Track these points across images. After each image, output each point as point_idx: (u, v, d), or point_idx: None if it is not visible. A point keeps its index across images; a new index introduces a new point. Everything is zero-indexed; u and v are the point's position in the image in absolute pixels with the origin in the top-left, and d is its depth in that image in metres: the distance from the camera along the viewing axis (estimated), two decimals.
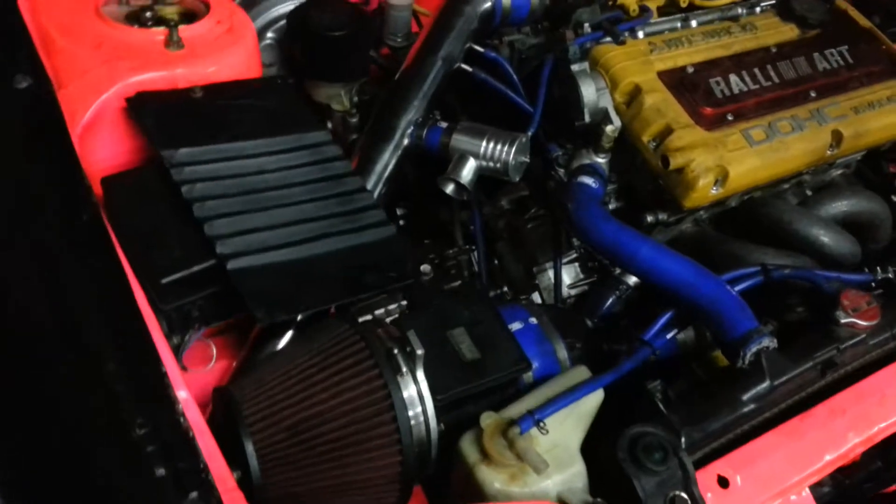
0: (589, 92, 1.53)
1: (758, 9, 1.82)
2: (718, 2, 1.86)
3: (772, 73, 1.63)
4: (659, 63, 1.57)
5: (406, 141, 1.52)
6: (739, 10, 1.83)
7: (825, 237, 1.46)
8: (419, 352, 1.15)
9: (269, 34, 1.70)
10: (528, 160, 1.48)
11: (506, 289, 1.66)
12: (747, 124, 1.52)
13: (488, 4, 1.64)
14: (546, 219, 1.69)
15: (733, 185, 1.47)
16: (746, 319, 1.22)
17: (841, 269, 1.49)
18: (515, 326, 1.36)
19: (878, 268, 1.42)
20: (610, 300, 1.59)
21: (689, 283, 1.28)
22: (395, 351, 1.15)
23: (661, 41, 1.62)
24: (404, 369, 1.14)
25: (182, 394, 1.03)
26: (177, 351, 1.14)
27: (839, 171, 1.76)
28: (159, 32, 1.36)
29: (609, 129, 1.49)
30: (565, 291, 1.67)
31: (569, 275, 1.69)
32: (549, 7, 1.70)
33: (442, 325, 1.29)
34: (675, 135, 1.46)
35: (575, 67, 1.53)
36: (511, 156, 1.44)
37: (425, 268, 1.65)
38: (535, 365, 1.31)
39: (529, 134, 1.49)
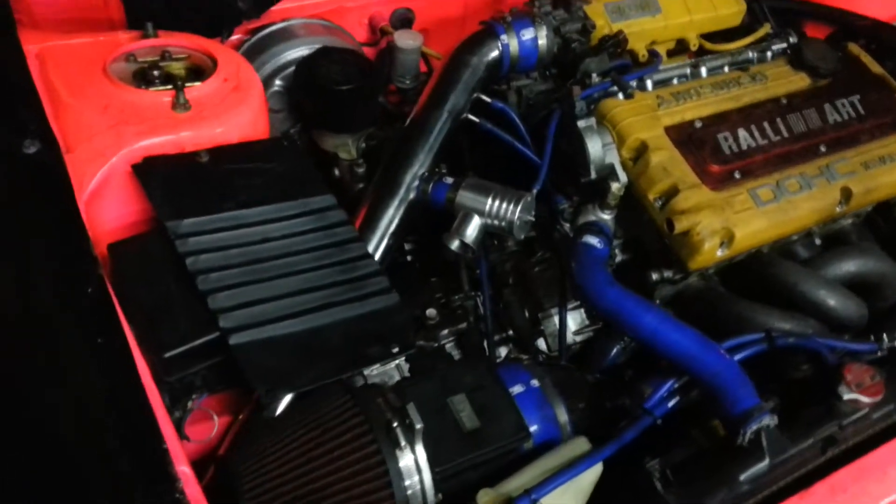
0: (595, 148, 1.52)
1: (769, 53, 1.81)
2: (728, 46, 1.86)
3: (781, 127, 1.62)
4: (666, 118, 1.56)
5: (412, 195, 1.52)
6: (750, 55, 1.82)
7: (831, 300, 1.45)
8: (418, 426, 1.16)
9: (278, 81, 1.71)
10: (532, 219, 1.48)
11: (511, 333, 1.67)
12: (755, 183, 1.51)
13: (495, 54, 1.64)
14: (552, 262, 1.69)
15: (739, 246, 1.46)
16: (748, 396, 1.21)
17: (848, 331, 1.48)
18: (517, 389, 1.36)
19: (886, 335, 1.41)
20: (614, 351, 1.60)
21: (691, 356, 1.28)
22: (395, 424, 1.16)
23: (670, 94, 1.61)
24: (403, 443, 1.15)
25: (183, 469, 1.05)
26: (179, 422, 1.15)
27: (849, 221, 1.74)
28: (166, 94, 1.36)
29: (615, 186, 1.49)
30: (570, 338, 1.67)
31: (574, 321, 1.69)
32: (556, 55, 1.70)
33: (443, 392, 1.30)
34: (681, 195, 1.45)
35: (581, 124, 1.53)
36: (516, 215, 1.44)
37: (430, 312, 1.66)
38: (534, 429, 1.32)
39: (534, 192, 1.49)
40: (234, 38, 1.76)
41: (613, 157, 1.54)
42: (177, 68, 1.46)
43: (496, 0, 2.04)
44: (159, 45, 1.48)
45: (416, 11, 1.97)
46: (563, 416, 1.36)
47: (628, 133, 1.53)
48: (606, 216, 1.53)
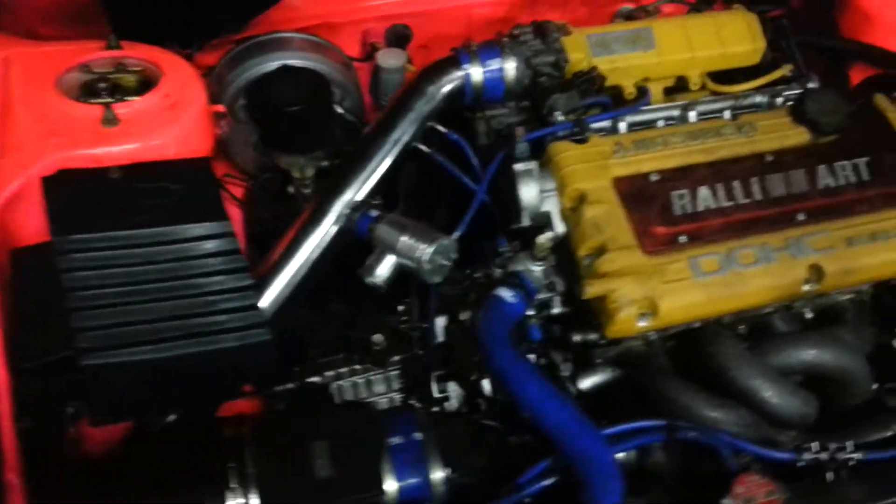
0: (529, 194, 1.42)
1: (779, 99, 1.61)
2: (734, 88, 1.67)
3: (755, 189, 1.43)
4: (619, 167, 1.43)
5: (342, 223, 1.49)
6: (758, 99, 1.63)
7: (767, 392, 1.27)
8: (249, 471, 1.15)
9: None
10: (449, 263, 1.40)
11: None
12: (700, 251, 1.35)
13: (456, 83, 1.56)
14: None
15: (667, 319, 1.32)
16: (611, 493, 1.10)
17: (792, 428, 1.31)
18: (395, 441, 1.32)
19: (815, 444, 1.23)
20: None
21: (565, 437, 1.18)
22: (231, 465, 1.16)
23: (631, 141, 1.47)
24: (233, 484, 1.15)
25: (11, 478, 1.09)
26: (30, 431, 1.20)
27: (847, 296, 1.52)
28: (99, 108, 1.41)
29: (540, 239, 1.39)
30: None
31: None
32: (528, 87, 1.60)
33: (309, 434, 1.28)
34: (606, 257, 1.33)
35: (519, 167, 1.43)
36: (426, 257, 1.37)
37: (377, 337, 1.64)
38: (397, 486, 1.27)
39: (455, 236, 1.42)
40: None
41: (553, 206, 1.44)
42: (128, 81, 1.50)
43: (501, 16, 1.95)
44: (117, 57, 1.53)
45: (414, 27, 1.91)
46: (437, 474, 1.30)
47: (569, 181, 1.41)
48: (535, 268, 1.43)
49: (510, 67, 1.57)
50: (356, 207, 1.49)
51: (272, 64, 1.72)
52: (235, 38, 1.79)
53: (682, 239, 1.37)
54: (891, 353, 1.47)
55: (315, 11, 1.83)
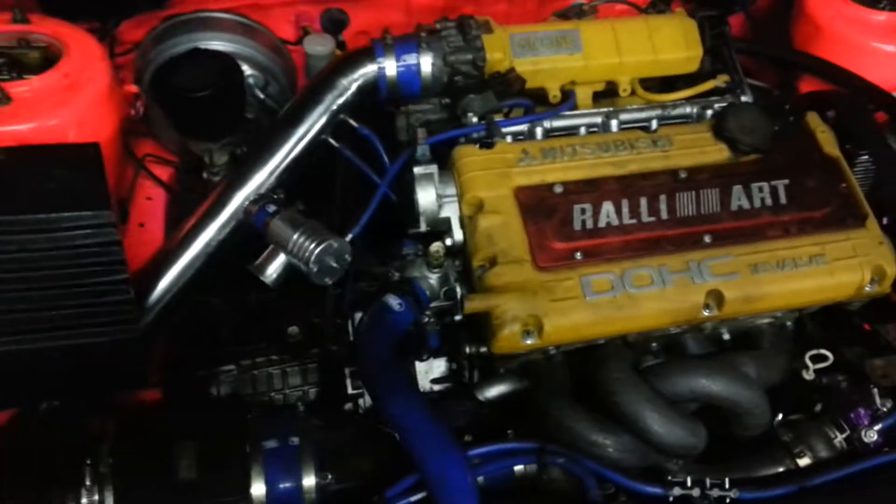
0: (427, 199, 1.38)
1: (710, 111, 1.55)
2: (664, 97, 1.61)
3: (662, 207, 1.38)
4: (522, 176, 1.38)
5: (241, 216, 1.45)
6: (687, 110, 1.58)
7: (650, 419, 1.24)
8: (102, 470, 1.13)
9: None
10: (338, 266, 1.36)
11: None
12: (593, 269, 1.30)
13: (370, 77, 1.51)
14: None
15: (554, 338, 1.28)
16: None
17: (680, 457, 1.27)
18: (270, 444, 1.29)
19: (690, 478, 1.19)
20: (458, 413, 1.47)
21: (424, 454, 1.14)
22: (89, 461, 1.14)
23: (539, 149, 1.41)
24: (88, 482, 1.13)
25: None
26: None
27: (766, 320, 1.47)
28: None
29: (433, 246, 1.35)
30: (427, 385, 1.55)
31: (439, 368, 1.56)
32: (446, 84, 1.54)
33: (176, 432, 1.25)
34: (495, 269, 1.29)
35: (418, 170, 1.38)
36: (313, 257, 1.33)
37: (293, 330, 1.61)
38: (265, 490, 1.24)
39: (349, 238, 1.38)
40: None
41: (453, 212, 1.39)
42: (31, 57, 1.46)
43: (443, 5, 1.89)
44: (22, 32, 1.48)
45: (351, 13, 1.85)
46: (310, 480, 1.27)
47: (468, 188, 1.36)
48: (432, 276, 1.40)
49: (426, 63, 1.51)
50: (255, 200, 1.45)
51: (190, 45, 1.67)
52: (165, 13, 1.74)
53: (578, 256, 1.32)
54: (801, 384, 1.42)
55: None
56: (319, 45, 1.73)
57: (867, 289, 1.38)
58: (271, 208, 1.42)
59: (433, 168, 1.39)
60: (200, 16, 1.74)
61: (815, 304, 1.41)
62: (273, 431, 1.31)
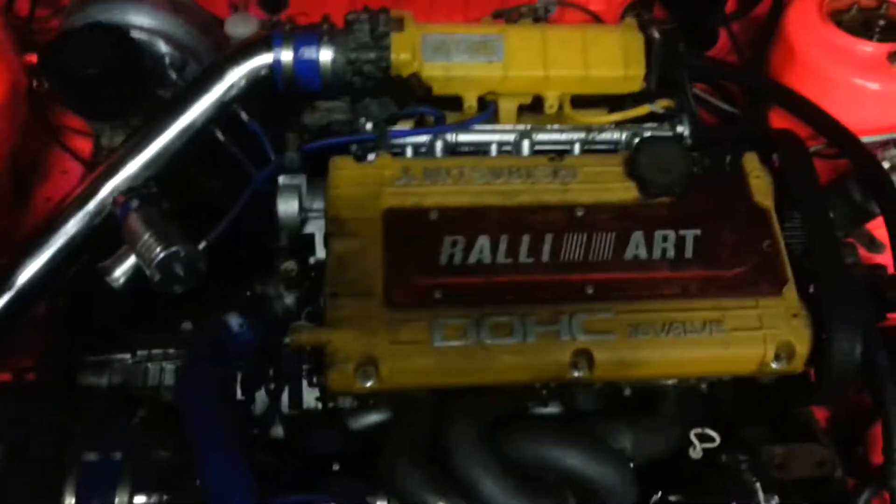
0: (288, 211, 1.27)
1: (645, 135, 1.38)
2: (594, 119, 1.44)
3: (545, 248, 1.23)
4: (395, 197, 1.25)
5: (109, 207, 1.37)
6: (616, 135, 1.41)
7: (483, 487, 1.09)
8: None
9: None
10: (185, 275, 1.26)
11: None
12: (449, 312, 1.17)
13: (262, 67, 1.39)
14: None
15: (395, 382, 1.15)
16: None
17: None
18: (90, 458, 1.22)
19: None
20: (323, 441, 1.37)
21: (214, 495, 1.05)
22: None
23: (421, 168, 1.28)
24: None
25: None
26: None
27: (670, 381, 1.31)
28: None
29: (285, 265, 1.24)
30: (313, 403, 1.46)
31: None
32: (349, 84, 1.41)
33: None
34: (337, 301, 1.17)
35: (282, 180, 1.27)
36: (157, 261, 1.23)
37: (186, 325, 1.54)
38: None
39: (201, 245, 1.27)
40: None
41: (318, 229, 1.28)
42: None
43: None
44: None
45: None
46: (123, 499, 1.20)
47: (334, 205, 1.24)
48: (288, 296, 1.29)
49: (326, 58, 1.39)
50: (125, 192, 1.36)
51: (111, 14, 1.58)
52: None
53: (438, 295, 1.19)
54: (687, 462, 1.26)
55: None
56: (241, 27, 1.60)
57: (773, 365, 1.20)
58: (134, 203, 1.33)
59: (300, 179, 1.28)
60: None
61: (710, 376, 1.24)
62: (99, 442, 1.24)
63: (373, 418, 1.32)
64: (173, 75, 1.60)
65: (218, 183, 1.54)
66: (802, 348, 1.19)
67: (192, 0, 1.69)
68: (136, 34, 1.56)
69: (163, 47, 1.59)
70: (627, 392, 1.29)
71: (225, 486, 1.05)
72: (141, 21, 1.59)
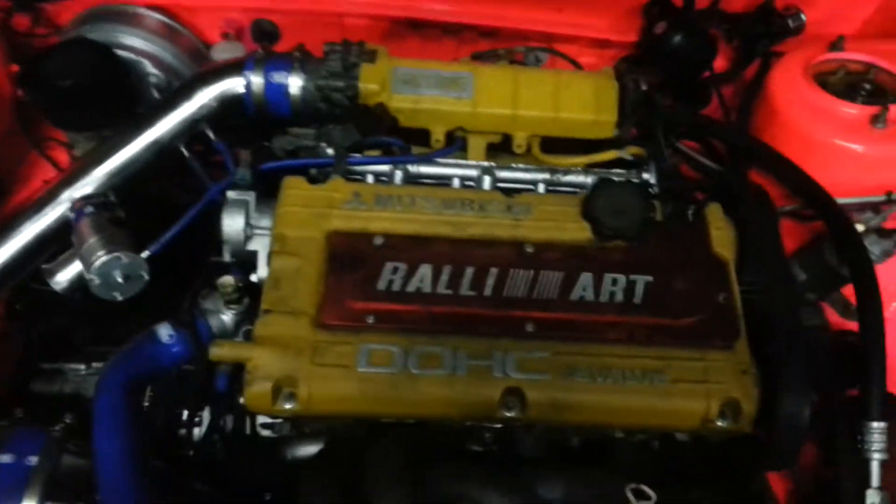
0: (233, 228, 1.25)
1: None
2: (560, 161, 1.42)
3: (489, 281, 1.19)
4: (342, 220, 1.23)
5: (68, 216, 1.38)
6: (580, 178, 1.39)
7: None
8: None
9: None
10: (124, 283, 1.25)
11: None
12: (378, 338, 1.13)
13: (235, 90, 1.41)
14: None
15: (316, 407, 1.11)
16: None
17: None
18: (4, 459, 1.19)
19: None
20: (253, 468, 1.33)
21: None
22: None
23: (372, 194, 1.26)
24: None
25: None
26: None
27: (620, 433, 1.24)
28: None
29: (222, 280, 1.22)
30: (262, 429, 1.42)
31: None
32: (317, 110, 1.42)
33: None
34: (265, 318, 1.14)
35: (231, 195, 1.27)
36: (97, 264, 1.22)
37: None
38: None
39: (144, 254, 1.26)
40: None
41: (263, 246, 1.26)
42: None
43: (381, 30, 1.76)
44: None
45: (284, 27, 1.76)
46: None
47: (279, 223, 1.23)
48: (226, 312, 1.26)
49: (295, 85, 1.40)
50: (83, 199, 1.37)
51: (104, 35, 1.63)
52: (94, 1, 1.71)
53: (371, 320, 1.15)
54: None
55: None
56: (228, 54, 1.64)
57: (718, 423, 1.13)
58: (88, 210, 1.33)
59: (249, 195, 1.27)
60: (124, 9, 1.69)
61: (652, 428, 1.18)
62: (15, 445, 1.21)
63: (310, 449, 1.28)
64: (156, 95, 1.63)
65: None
66: (749, 407, 1.12)
67: (186, 27, 1.74)
68: (123, 53, 1.61)
69: (149, 68, 1.63)
70: (575, 442, 1.23)
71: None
72: (131, 42, 1.64)
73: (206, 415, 1.35)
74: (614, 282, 1.20)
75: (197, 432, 1.35)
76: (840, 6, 1.77)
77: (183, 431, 1.34)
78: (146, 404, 1.39)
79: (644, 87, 1.46)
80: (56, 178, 1.41)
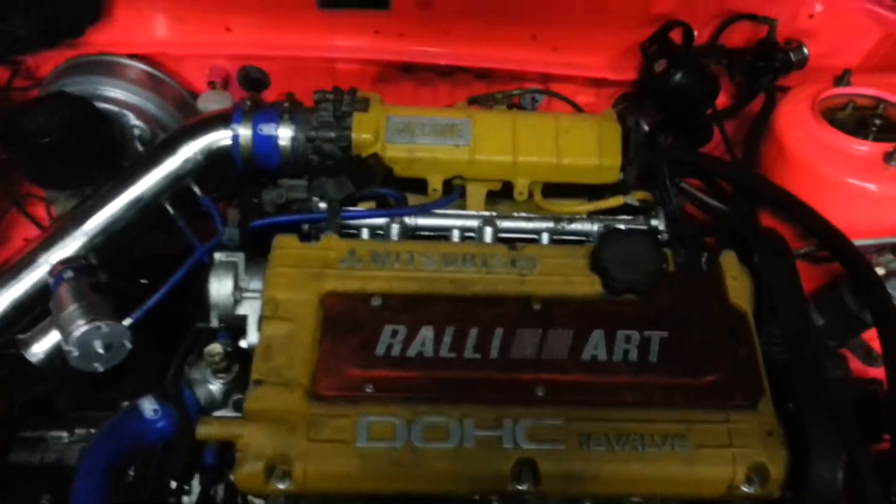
0: (221, 292, 1.18)
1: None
2: (565, 208, 1.36)
3: (495, 343, 1.12)
4: (337, 281, 1.16)
5: (47, 280, 1.31)
6: (586, 227, 1.32)
7: None
8: None
9: None
10: (105, 353, 1.17)
11: None
12: (379, 409, 1.05)
13: (222, 142, 1.35)
14: None
15: (312, 486, 1.03)
16: None
17: None
18: None
19: None
20: None
21: None
22: None
23: (368, 251, 1.19)
24: None
25: None
26: None
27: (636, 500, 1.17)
28: None
29: (209, 348, 1.14)
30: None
31: None
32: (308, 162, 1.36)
33: None
34: (257, 391, 1.06)
35: (218, 257, 1.19)
36: (75, 334, 1.14)
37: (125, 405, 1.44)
38: None
39: (126, 322, 1.19)
40: None
41: (253, 310, 1.19)
42: None
43: (372, 75, 1.71)
44: None
45: (272, 73, 1.71)
46: None
47: (270, 286, 1.16)
48: (215, 382, 1.19)
49: (285, 137, 1.34)
50: (63, 262, 1.30)
51: (86, 87, 1.57)
52: (74, 52, 1.66)
53: (370, 389, 1.08)
54: None
55: (152, 38, 1.66)
56: (214, 104, 1.58)
57: (744, 489, 1.05)
58: (67, 274, 1.26)
59: (237, 256, 1.20)
60: (105, 59, 1.64)
61: (672, 497, 1.10)
62: None
63: None
64: (141, 148, 1.57)
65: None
66: (777, 471, 1.05)
67: (170, 76, 1.68)
68: (105, 106, 1.55)
69: (133, 120, 1.58)
70: None
71: None
72: (113, 93, 1.59)
73: (195, 484, 1.28)
74: (627, 339, 1.13)
75: (187, 502, 1.28)
76: (842, 39, 1.72)
77: (172, 502, 1.27)
78: (132, 473, 1.33)
79: (646, 129, 1.41)
80: (35, 240, 1.34)
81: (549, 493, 1.05)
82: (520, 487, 1.04)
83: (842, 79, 1.52)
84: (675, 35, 1.66)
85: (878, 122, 1.45)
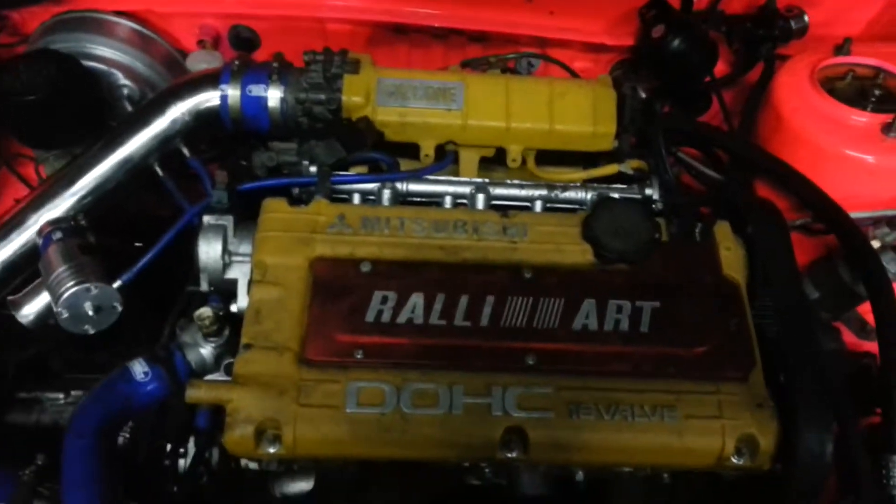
0: (210, 255, 1.17)
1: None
2: (559, 176, 1.34)
3: (485, 310, 1.11)
4: (326, 245, 1.15)
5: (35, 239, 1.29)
6: (580, 195, 1.31)
7: None
8: None
9: None
10: (95, 315, 1.16)
11: None
12: (368, 375, 1.05)
13: (210, 103, 1.32)
14: None
15: (301, 450, 1.03)
16: None
17: None
18: None
19: None
20: None
21: None
22: None
23: (358, 216, 1.18)
24: None
25: None
26: None
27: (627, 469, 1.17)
28: None
29: (199, 311, 1.13)
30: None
31: None
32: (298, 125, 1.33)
33: None
34: (246, 355, 1.06)
35: (207, 220, 1.18)
36: (65, 296, 1.13)
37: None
38: None
39: (116, 284, 1.18)
40: None
41: (243, 274, 1.17)
42: None
43: (366, 36, 1.68)
44: None
45: (263, 33, 1.67)
46: None
47: (259, 249, 1.14)
48: (205, 345, 1.18)
49: (274, 98, 1.31)
50: (51, 222, 1.28)
51: (73, 44, 1.53)
52: (61, 8, 1.61)
53: (359, 355, 1.07)
54: None
55: None
56: (204, 63, 1.55)
57: (734, 460, 1.06)
58: (56, 235, 1.24)
59: (226, 220, 1.18)
60: (92, 16, 1.59)
61: (662, 468, 1.10)
62: None
63: (299, 486, 1.20)
64: (129, 107, 1.54)
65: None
66: (767, 443, 1.05)
67: (159, 34, 1.64)
68: (92, 64, 1.52)
69: (121, 79, 1.55)
70: (580, 477, 1.15)
71: None
72: (101, 51, 1.55)
73: (191, 446, 1.28)
74: (619, 309, 1.12)
75: (182, 464, 1.28)
76: (844, 7, 1.69)
77: (167, 464, 1.27)
78: (127, 436, 1.32)
79: (643, 95, 1.39)
80: (24, 199, 1.32)
81: (537, 461, 1.05)
82: (509, 455, 1.04)
83: (842, 47, 1.50)
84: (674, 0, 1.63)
85: (877, 92, 1.43)
